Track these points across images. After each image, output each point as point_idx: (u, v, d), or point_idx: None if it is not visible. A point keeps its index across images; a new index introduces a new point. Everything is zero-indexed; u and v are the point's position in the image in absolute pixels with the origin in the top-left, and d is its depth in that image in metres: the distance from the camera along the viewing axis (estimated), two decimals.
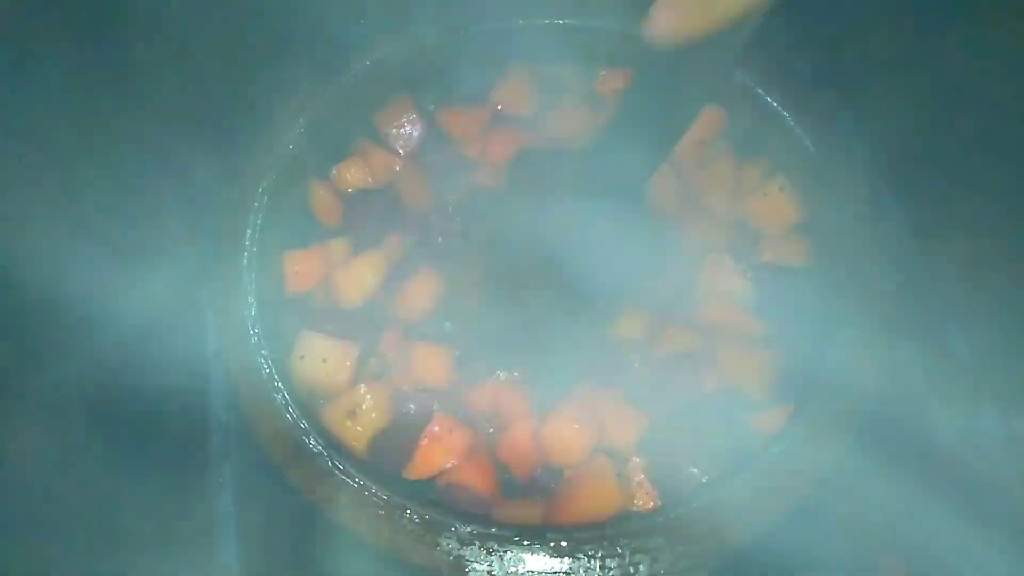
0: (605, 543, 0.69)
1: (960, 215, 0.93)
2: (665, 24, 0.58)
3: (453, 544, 0.69)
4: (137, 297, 0.87)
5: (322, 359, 0.84)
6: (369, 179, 0.99)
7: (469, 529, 0.69)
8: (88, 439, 0.76)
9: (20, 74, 0.76)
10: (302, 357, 0.84)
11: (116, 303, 0.81)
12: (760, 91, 0.92)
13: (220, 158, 1.05)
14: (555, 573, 0.68)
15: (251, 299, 0.83)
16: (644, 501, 0.77)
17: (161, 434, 0.92)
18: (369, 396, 0.82)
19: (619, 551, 0.68)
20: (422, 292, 0.90)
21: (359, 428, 0.81)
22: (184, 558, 0.90)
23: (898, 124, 0.96)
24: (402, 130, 1.02)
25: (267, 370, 0.79)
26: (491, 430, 0.83)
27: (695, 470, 0.78)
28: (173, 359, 0.99)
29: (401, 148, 1.02)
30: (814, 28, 1.00)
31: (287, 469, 0.74)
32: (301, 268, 0.91)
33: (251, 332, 0.81)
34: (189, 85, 0.99)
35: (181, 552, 0.90)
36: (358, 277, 0.91)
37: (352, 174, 0.99)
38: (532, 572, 0.68)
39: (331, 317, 0.89)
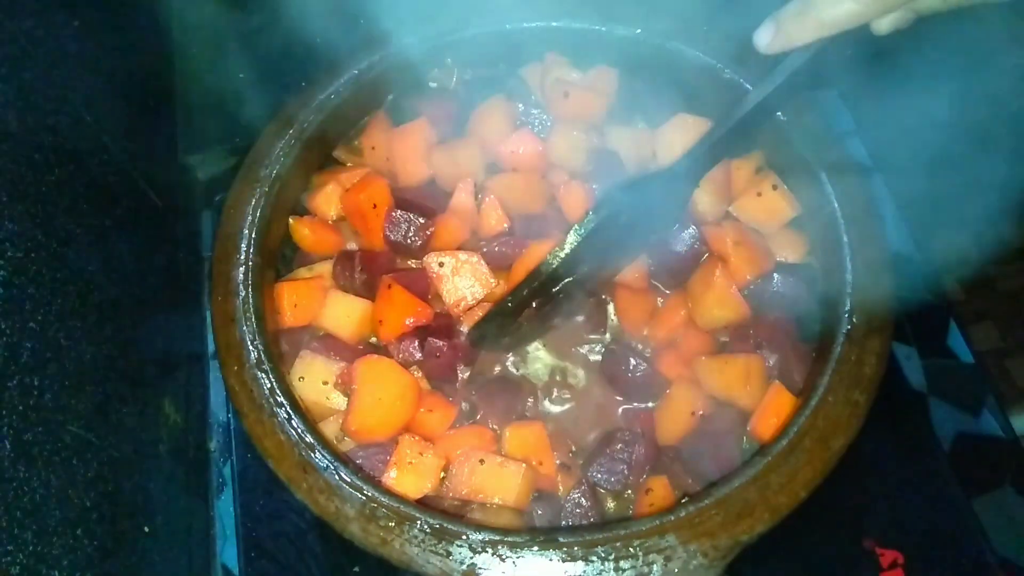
0: (618, 544, 0.68)
1: (957, 212, 0.94)
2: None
3: (465, 552, 0.69)
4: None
5: (322, 381, 0.83)
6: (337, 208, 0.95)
7: (481, 536, 0.69)
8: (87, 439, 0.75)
9: None
10: (301, 379, 0.83)
11: None
12: (750, 88, 0.92)
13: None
14: None
15: (251, 314, 0.82)
16: None
17: (161, 432, 0.92)
18: None
19: (632, 552, 0.68)
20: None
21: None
22: (184, 558, 0.90)
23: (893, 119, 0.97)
24: (378, 148, 0.98)
25: (268, 385, 0.78)
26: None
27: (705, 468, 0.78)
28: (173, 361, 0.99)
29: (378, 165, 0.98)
30: None
31: (294, 485, 0.74)
32: (299, 300, 0.89)
33: (250, 348, 0.80)
34: None
35: (181, 552, 0.89)
36: (351, 320, 0.89)
37: (328, 201, 0.95)
38: None
39: (330, 344, 0.87)
